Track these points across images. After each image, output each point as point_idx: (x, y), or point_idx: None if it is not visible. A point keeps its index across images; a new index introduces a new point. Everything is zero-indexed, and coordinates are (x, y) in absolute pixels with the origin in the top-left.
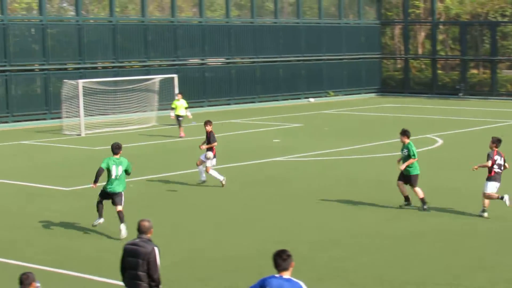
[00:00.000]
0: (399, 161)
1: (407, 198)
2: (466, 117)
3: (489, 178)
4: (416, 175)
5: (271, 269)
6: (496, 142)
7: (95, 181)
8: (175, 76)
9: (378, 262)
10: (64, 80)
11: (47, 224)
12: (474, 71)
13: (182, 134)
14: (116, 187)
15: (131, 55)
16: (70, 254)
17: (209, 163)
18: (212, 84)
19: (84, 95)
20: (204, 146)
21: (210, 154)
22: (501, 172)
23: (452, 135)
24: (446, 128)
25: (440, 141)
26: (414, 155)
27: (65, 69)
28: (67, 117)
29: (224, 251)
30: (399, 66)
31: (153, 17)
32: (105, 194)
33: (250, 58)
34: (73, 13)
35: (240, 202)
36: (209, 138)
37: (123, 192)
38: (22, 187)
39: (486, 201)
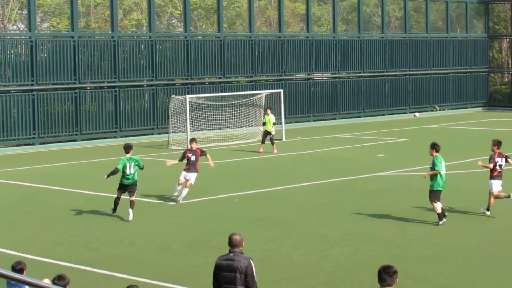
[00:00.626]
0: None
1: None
2: None
3: (493, 177)
4: (436, 191)
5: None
6: (497, 144)
7: (108, 176)
8: (281, 91)
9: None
10: (172, 96)
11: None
12: None
13: (275, 150)
14: (131, 180)
15: (237, 71)
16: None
17: (184, 178)
18: (318, 99)
19: (191, 110)
20: (211, 162)
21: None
22: (501, 171)
23: None
24: None
25: None
26: (436, 167)
27: (173, 84)
28: (174, 132)
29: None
30: (506, 80)
31: (261, 32)
32: (123, 186)
33: (356, 73)
34: (181, 29)
35: (346, 215)
36: (199, 155)
37: (136, 184)
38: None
39: (492, 200)
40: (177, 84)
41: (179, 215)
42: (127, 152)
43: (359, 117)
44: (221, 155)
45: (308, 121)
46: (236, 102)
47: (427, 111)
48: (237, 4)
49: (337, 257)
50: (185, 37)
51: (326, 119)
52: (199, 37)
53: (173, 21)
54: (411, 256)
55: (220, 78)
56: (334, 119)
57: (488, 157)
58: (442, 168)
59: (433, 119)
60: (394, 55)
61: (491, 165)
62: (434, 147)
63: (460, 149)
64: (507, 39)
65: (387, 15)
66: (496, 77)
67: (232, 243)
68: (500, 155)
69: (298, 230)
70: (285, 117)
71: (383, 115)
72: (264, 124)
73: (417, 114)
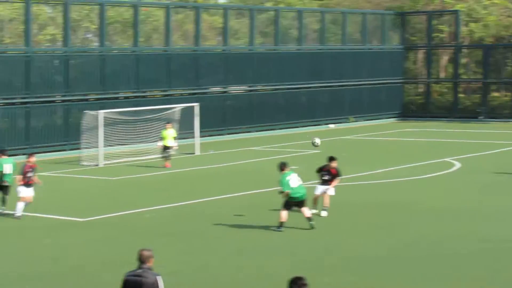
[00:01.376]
0: None
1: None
2: (485, 140)
3: None
4: (287, 200)
5: None
6: None
7: None
8: (196, 104)
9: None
10: (85, 111)
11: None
12: (496, 94)
13: (168, 165)
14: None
15: (153, 85)
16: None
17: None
18: (233, 112)
19: (104, 125)
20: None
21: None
22: None
23: (470, 159)
24: (465, 152)
25: (458, 165)
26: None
27: (87, 100)
28: (86, 147)
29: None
30: (420, 90)
31: (177, 46)
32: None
33: (272, 85)
34: (97, 44)
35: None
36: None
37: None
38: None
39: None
40: (91, 99)
41: (90, 232)
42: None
43: (275, 129)
44: (131, 170)
45: (222, 134)
46: (150, 116)
47: (341, 122)
48: (155, 18)
49: (252, 269)
50: (101, 51)
51: (241, 132)
52: (115, 51)
53: (89, 35)
54: (326, 266)
55: (135, 92)
56: (249, 132)
57: None
58: (290, 184)
59: (348, 130)
60: (310, 67)
61: None
62: (280, 166)
63: (374, 160)
64: (423, 50)
65: (305, 28)
66: (410, 87)
67: (140, 259)
68: None
69: (212, 243)
70: (200, 131)
71: (297, 127)
72: (161, 139)
73: (331, 125)
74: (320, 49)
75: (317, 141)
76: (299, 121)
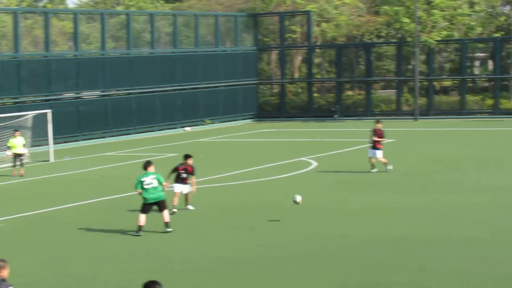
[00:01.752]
0: None
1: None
2: (341, 139)
3: None
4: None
5: None
6: None
7: None
8: (48, 111)
9: None
10: None
11: None
12: (350, 92)
13: (22, 172)
14: None
15: (2, 92)
16: None
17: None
18: (87, 118)
19: None
20: None
21: None
22: None
23: (327, 157)
24: (321, 150)
25: (314, 164)
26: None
27: None
28: None
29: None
30: (275, 91)
31: (27, 52)
32: None
33: (126, 90)
34: None
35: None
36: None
37: None
38: None
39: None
40: None
41: None
42: None
43: (130, 134)
44: None
45: (77, 140)
46: (3, 124)
47: (197, 125)
48: (2, 23)
49: (108, 274)
50: None
51: (96, 138)
52: None
53: None
54: (183, 271)
55: None
56: (104, 137)
57: None
58: (143, 184)
59: (204, 132)
60: (164, 70)
61: None
62: (144, 164)
63: (230, 162)
64: (276, 51)
65: (157, 31)
66: (265, 88)
67: None
68: None
69: (69, 250)
70: (54, 138)
71: (153, 131)
72: (9, 148)
73: (187, 128)
74: (173, 52)
75: (298, 199)
76: (154, 125)
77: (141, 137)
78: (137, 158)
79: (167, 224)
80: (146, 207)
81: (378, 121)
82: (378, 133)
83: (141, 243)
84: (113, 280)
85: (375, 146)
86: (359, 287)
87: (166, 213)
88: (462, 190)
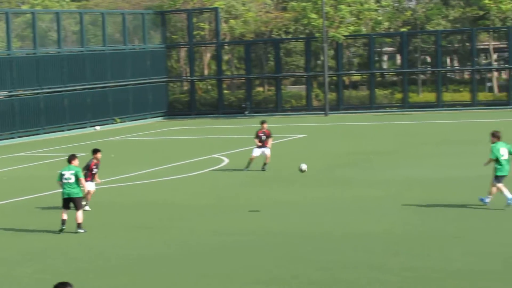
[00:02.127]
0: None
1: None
2: (252, 135)
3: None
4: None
5: None
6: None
7: None
8: None
9: None
10: None
11: None
12: (260, 88)
13: None
14: None
15: None
16: None
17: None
18: None
19: None
20: None
21: None
22: None
23: (238, 154)
24: (232, 147)
25: (226, 160)
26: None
27: None
28: None
29: None
30: (185, 88)
31: None
32: None
33: (33, 90)
34: None
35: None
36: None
37: None
38: None
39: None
40: None
41: None
42: None
43: (39, 134)
44: None
45: None
46: None
47: (107, 124)
48: None
49: (19, 278)
50: None
51: (4, 139)
52: None
53: None
54: (93, 270)
55: None
56: (13, 138)
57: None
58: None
59: (114, 131)
60: (72, 69)
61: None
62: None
63: (141, 160)
64: (185, 49)
65: (64, 30)
66: (175, 86)
67: None
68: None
69: None
70: None
71: (63, 130)
72: None
73: (97, 127)
74: (80, 51)
75: (304, 167)
76: (63, 125)
77: (50, 137)
78: (47, 159)
79: (79, 225)
80: (63, 202)
81: (264, 122)
82: (266, 133)
83: (52, 242)
84: (24, 281)
85: (264, 145)
86: (273, 282)
87: (79, 213)
88: (358, 184)
